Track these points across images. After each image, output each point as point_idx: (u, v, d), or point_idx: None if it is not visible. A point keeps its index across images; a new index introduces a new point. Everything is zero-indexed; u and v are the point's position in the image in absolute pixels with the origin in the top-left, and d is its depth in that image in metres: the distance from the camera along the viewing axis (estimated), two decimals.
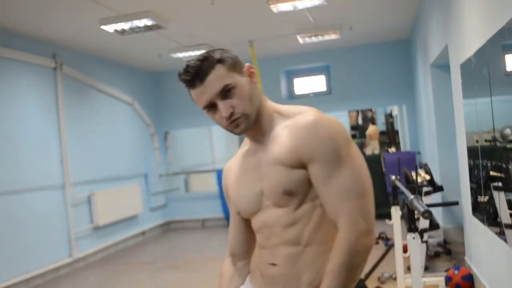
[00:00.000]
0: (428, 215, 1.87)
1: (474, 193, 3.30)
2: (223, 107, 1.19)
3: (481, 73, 2.75)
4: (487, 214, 2.96)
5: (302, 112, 1.25)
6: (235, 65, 1.22)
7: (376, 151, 9.98)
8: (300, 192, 1.22)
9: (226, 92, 1.19)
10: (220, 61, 1.20)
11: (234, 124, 1.22)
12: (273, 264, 1.27)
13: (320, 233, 1.23)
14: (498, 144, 2.65)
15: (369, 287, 3.81)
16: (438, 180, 4.97)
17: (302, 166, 1.19)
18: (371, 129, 10.45)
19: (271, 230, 1.27)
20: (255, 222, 1.33)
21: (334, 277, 1.13)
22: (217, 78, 1.18)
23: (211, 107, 1.22)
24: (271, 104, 1.32)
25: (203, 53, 1.22)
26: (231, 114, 1.20)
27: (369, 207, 1.17)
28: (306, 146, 1.18)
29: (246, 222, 1.40)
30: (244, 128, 1.24)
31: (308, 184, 1.21)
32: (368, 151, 10.06)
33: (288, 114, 1.28)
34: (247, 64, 1.27)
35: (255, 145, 1.32)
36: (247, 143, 1.38)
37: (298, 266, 1.23)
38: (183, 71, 1.21)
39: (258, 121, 1.27)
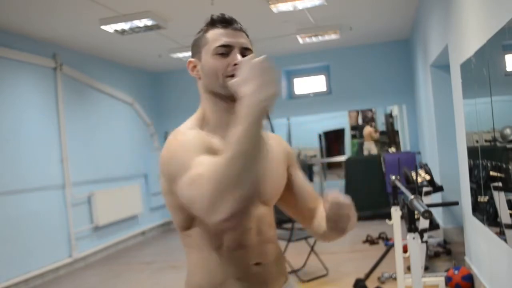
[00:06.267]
0: (428, 215, 1.87)
1: (474, 193, 3.30)
2: (240, 57, 1.24)
3: (481, 73, 2.75)
4: (487, 214, 2.95)
5: None
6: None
7: (373, 152, 10.32)
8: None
9: (245, 52, 1.27)
10: (247, 35, 1.33)
11: None
12: (258, 264, 1.27)
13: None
14: (498, 144, 2.65)
15: (369, 287, 3.81)
16: (438, 180, 4.97)
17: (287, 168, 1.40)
18: (366, 130, 11.27)
19: (259, 227, 1.29)
20: None
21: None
22: (247, 39, 1.30)
23: (227, 50, 1.25)
24: None
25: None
26: None
27: None
28: (290, 152, 1.44)
29: None
30: None
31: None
32: (365, 152, 10.79)
33: None
34: None
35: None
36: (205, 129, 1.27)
37: (278, 260, 1.33)
38: (219, 14, 1.31)
39: None
